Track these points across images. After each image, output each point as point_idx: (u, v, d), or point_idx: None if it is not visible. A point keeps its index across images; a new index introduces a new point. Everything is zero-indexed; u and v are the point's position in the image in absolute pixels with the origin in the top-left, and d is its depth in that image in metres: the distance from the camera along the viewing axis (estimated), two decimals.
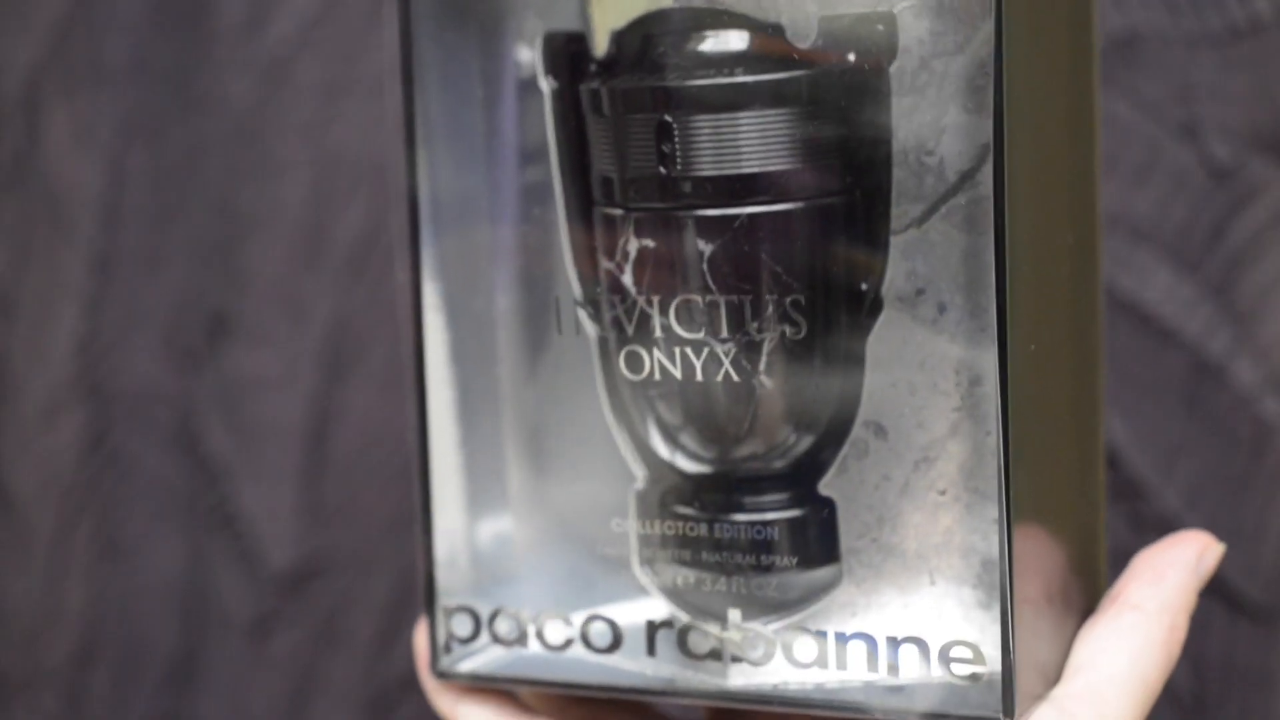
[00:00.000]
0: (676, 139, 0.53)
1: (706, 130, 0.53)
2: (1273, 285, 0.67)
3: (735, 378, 0.54)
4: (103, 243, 0.79)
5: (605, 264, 0.55)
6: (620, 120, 0.54)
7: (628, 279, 0.55)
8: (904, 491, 0.53)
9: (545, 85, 0.56)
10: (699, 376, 0.54)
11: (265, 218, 0.77)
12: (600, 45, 0.55)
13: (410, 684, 0.78)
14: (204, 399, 0.79)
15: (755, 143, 0.53)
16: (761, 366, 0.54)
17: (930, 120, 0.52)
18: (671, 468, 0.57)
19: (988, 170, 0.51)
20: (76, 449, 0.80)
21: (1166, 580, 0.54)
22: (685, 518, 0.56)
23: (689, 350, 0.54)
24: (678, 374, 0.54)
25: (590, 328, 0.57)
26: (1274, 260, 0.67)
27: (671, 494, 0.56)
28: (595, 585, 0.58)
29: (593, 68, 0.56)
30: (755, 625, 0.55)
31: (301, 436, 0.78)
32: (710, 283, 0.53)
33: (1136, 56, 0.67)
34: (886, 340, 0.53)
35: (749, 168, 0.53)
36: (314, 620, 0.79)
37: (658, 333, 0.54)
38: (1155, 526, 0.68)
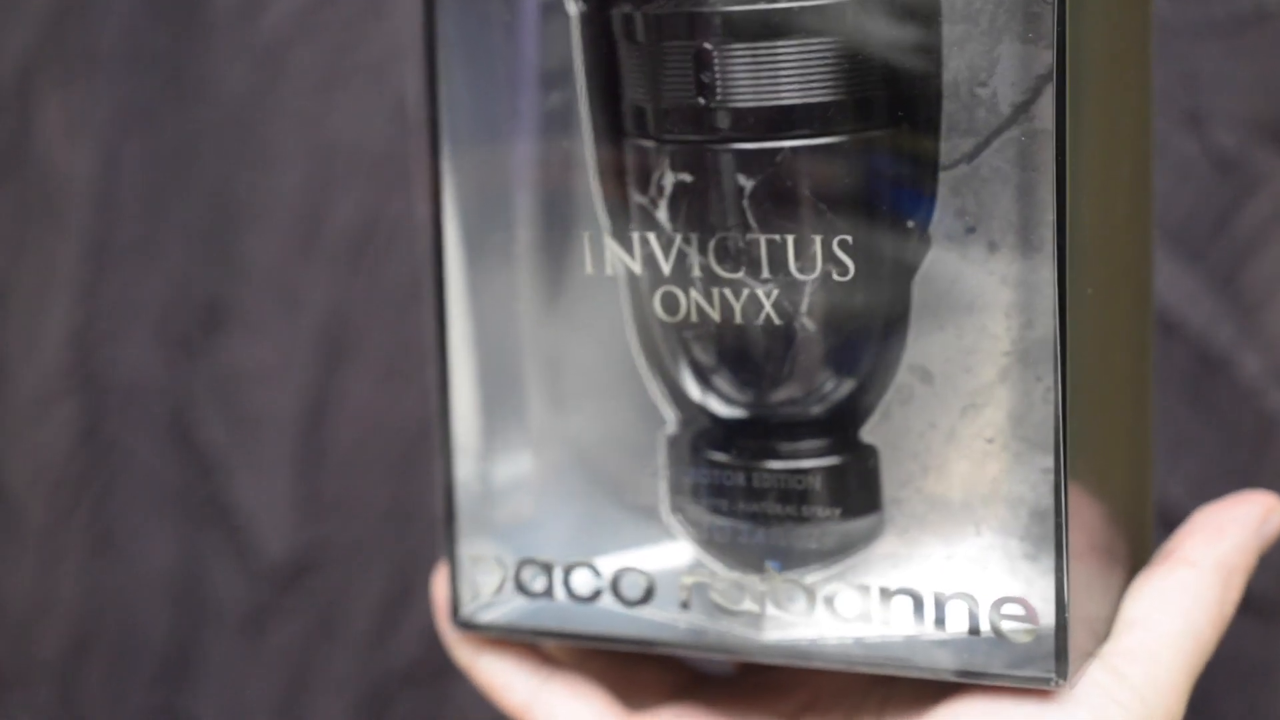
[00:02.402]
0: (716, 68, 0.51)
1: (748, 59, 0.51)
2: (1278, 277, 0.66)
3: (776, 320, 0.52)
4: (97, 232, 0.78)
5: (638, 199, 0.53)
6: (656, 47, 0.52)
7: (662, 215, 0.52)
8: (950, 439, 0.51)
9: (573, 8, 0.54)
10: (738, 319, 0.52)
11: (260, 207, 0.77)
12: None
13: (408, 677, 0.77)
14: (198, 389, 0.78)
15: (799, 73, 0.51)
16: (804, 308, 0.51)
17: (983, 49, 0.49)
18: (705, 412, 0.54)
19: (1044, 103, 0.48)
20: (69, 440, 0.80)
21: (1226, 537, 0.52)
22: (720, 465, 0.54)
23: (728, 291, 0.52)
24: (716, 316, 0.52)
25: (620, 264, 0.54)
26: (1278, 251, 0.66)
27: (705, 440, 0.54)
28: (622, 530, 0.56)
29: None
30: (793, 577, 0.53)
31: (297, 427, 0.78)
32: (751, 220, 0.51)
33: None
34: (934, 281, 0.51)
35: (792, 99, 0.51)
36: (310, 613, 0.78)
37: (695, 272, 0.52)
38: (1160, 520, 0.67)
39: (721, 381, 0.54)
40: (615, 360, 0.55)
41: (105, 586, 0.80)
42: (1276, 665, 0.67)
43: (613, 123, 0.54)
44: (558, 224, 0.55)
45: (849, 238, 0.51)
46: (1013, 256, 0.50)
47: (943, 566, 0.51)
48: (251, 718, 0.79)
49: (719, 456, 0.54)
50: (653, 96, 0.52)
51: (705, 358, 0.53)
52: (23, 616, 0.81)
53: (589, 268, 0.55)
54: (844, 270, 0.51)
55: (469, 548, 0.56)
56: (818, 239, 0.51)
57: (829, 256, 0.51)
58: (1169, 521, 0.67)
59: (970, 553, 0.51)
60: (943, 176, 0.50)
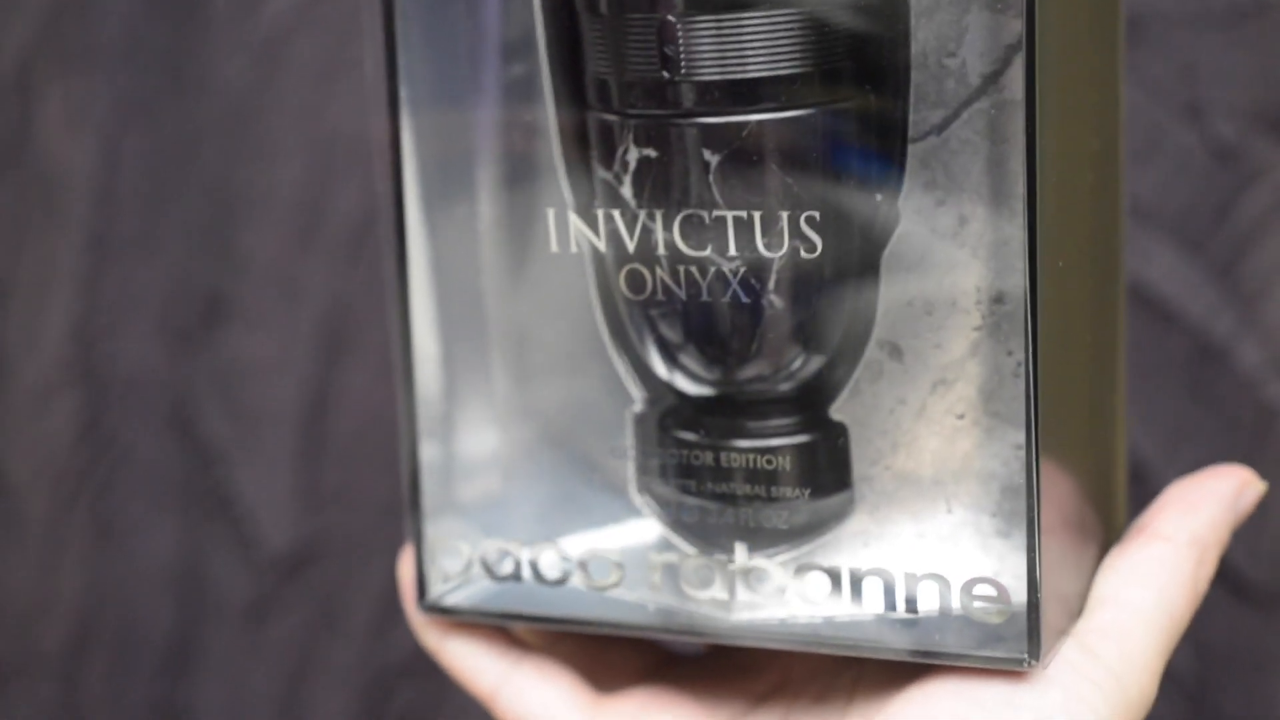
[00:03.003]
0: (680, 40, 0.50)
1: (712, 31, 0.50)
2: (1277, 267, 0.66)
3: (744, 298, 0.51)
4: (97, 225, 0.78)
5: (602, 174, 0.52)
6: (618, 20, 0.51)
7: (627, 191, 0.51)
8: (920, 415, 0.51)
9: None
10: (705, 296, 0.51)
11: (260, 200, 0.76)
12: None
13: (408, 669, 0.77)
14: (199, 382, 0.78)
15: (763, 44, 0.50)
16: (771, 285, 0.51)
17: (952, 19, 0.49)
18: (672, 390, 0.54)
19: (1013, 74, 0.48)
20: (71, 433, 0.80)
21: (1200, 512, 0.51)
22: (687, 444, 0.53)
23: (694, 269, 0.51)
24: (682, 294, 0.51)
25: (585, 240, 0.53)
26: (1278, 242, 0.66)
27: (672, 418, 0.54)
28: (590, 510, 0.55)
29: None
30: (762, 558, 0.52)
31: (298, 420, 0.77)
32: (717, 196, 0.50)
33: (1140, 37, 0.66)
34: (903, 255, 0.50)
35: (757, 71, 0.50)
36: (310, 604, 0.78)
37: (660, 250, 0.51)
38: None
39: (688, 359, 0.53)
40: (581, 338, 0.54)
41: (106, 579, 0.80)
42: (1273, 653, 0.67)
43: (575, 95, 0.53)
44: (521, 199, 0.54)
45: (816, 213, 0.50)
46: (983, 229, 0.49)
47: (914, 545, 0.51)
48: (252, 709, 0.79)
49: (687, 435, 0.53)
50: (615, 69, 0.51)
51: (672, 335, 0.53)
52: (24, 609, 0.81)
53: (554, 245, 0.54)
54: (811, 247, 0.50)
55: (435, 529, 0.55)
56: (785, 215, 0.50)
57: (796, 232, 0.50)
58: None
59: (941, 530, 0.51)
60: (912, 149, 0.49)
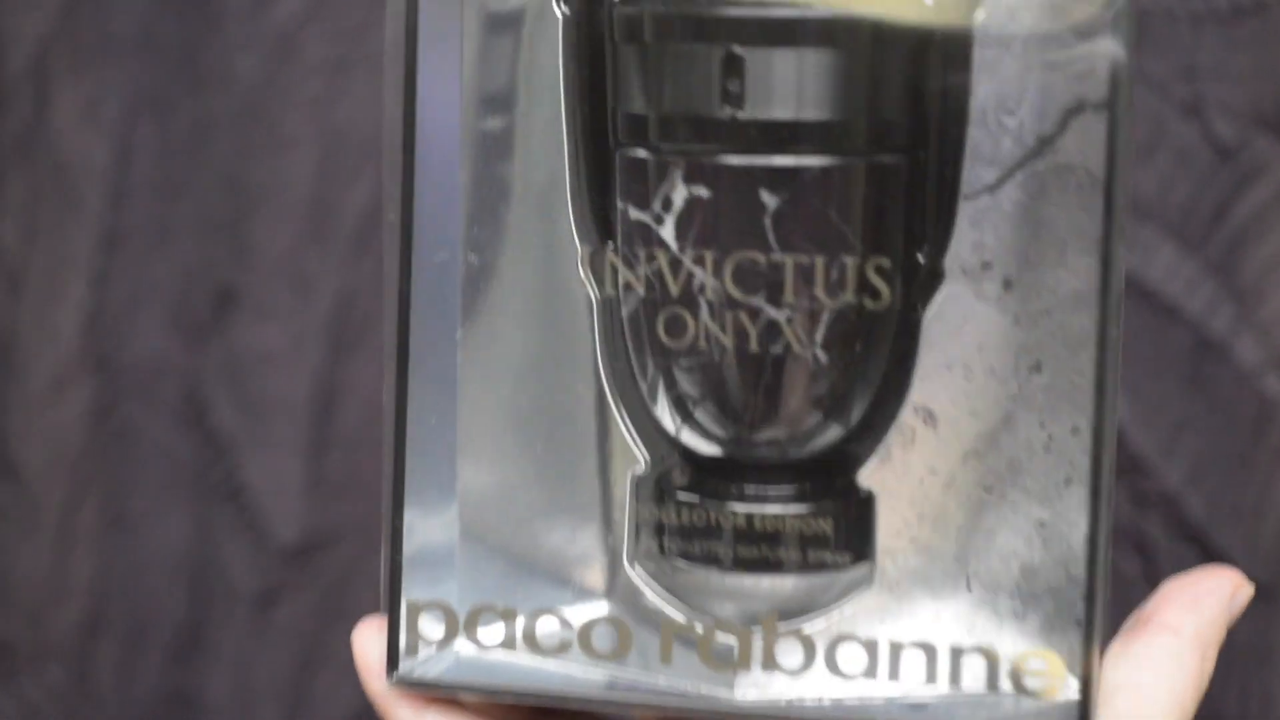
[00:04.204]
0: (747, 76, 0.47)
1: (782, 67, 0.47)
2: (1275, 263, 0.66)
3: (795, 349, 0.48)
4: (110, 217, 0.78)
5: (635, 214, 0.49)
6: (669, 50, 0.48)
7: (668, 232, 0.48)
8: (949, 486, 0.49)
9: (560, 10, 0.50)
10: (753, 346, 0.48)
11: (272, 193, 0.77)
12: None
13: None
14: (211, 373, 0.79)
15: (834, 86, 0.47)
16: (819, 338, 0.48)
17: (1013, 76, 0.47)
18: (682, 450, 0.51)
19: (1070, 137, 0.46)
20: (84, 422, 0.80)
21: (1203, 608, 0.51)
22: (695, 506, 0.50)
23: (744, 315, 0.48)
24: (728, 342, 0.49)
25: (591, 287, 0.51)
26: (1277, 239, 0.67)
27: (677, 479, 0.51)
28: (568, 582, 0.52)
29: None
30: (771, 629, 0.49)
31: (308, 410, 0.78)
32: (774, 240, 0.48)
33: (1141, 34, 0.67)
34: (946, 317, 0.48)
35: (828, 114, 0.47)
36: (320, 592, 0.79)
37: (708, 294, 0.48)
38: (1157, 503, 0.68)
39: (710, 415, 0.50)
40: (571, 394, 0.51)
41: (118, 566, 0.80)
42: (1271, 647, 0.67)
43: (596, 133, 0.50)
44: (506, 246, 0.51)
45: (878, 262, 0.48)
46: (1025, 295, 0.48)
47: (931, 624, 0.49)
48: (261, 696, 0.80)
49: (693, 498, 0.50)
50: (665, 103, 0.48)
51: (698, 388, 0.50)
52: (36, 596, 0.81)
53: (554, 291, 0.51)
54: (872, 298, 0.48)
55: (413, 594, 0.51)
56: (848, 263, 0.48)
57: (858, 283, 0.48)
58: (1168, 503, 0.68)
59: (959, 609, 0.49)
60: (962, 207, 0.48)
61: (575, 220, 0.51)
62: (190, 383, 0.78)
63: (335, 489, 0.77)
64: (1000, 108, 0.48)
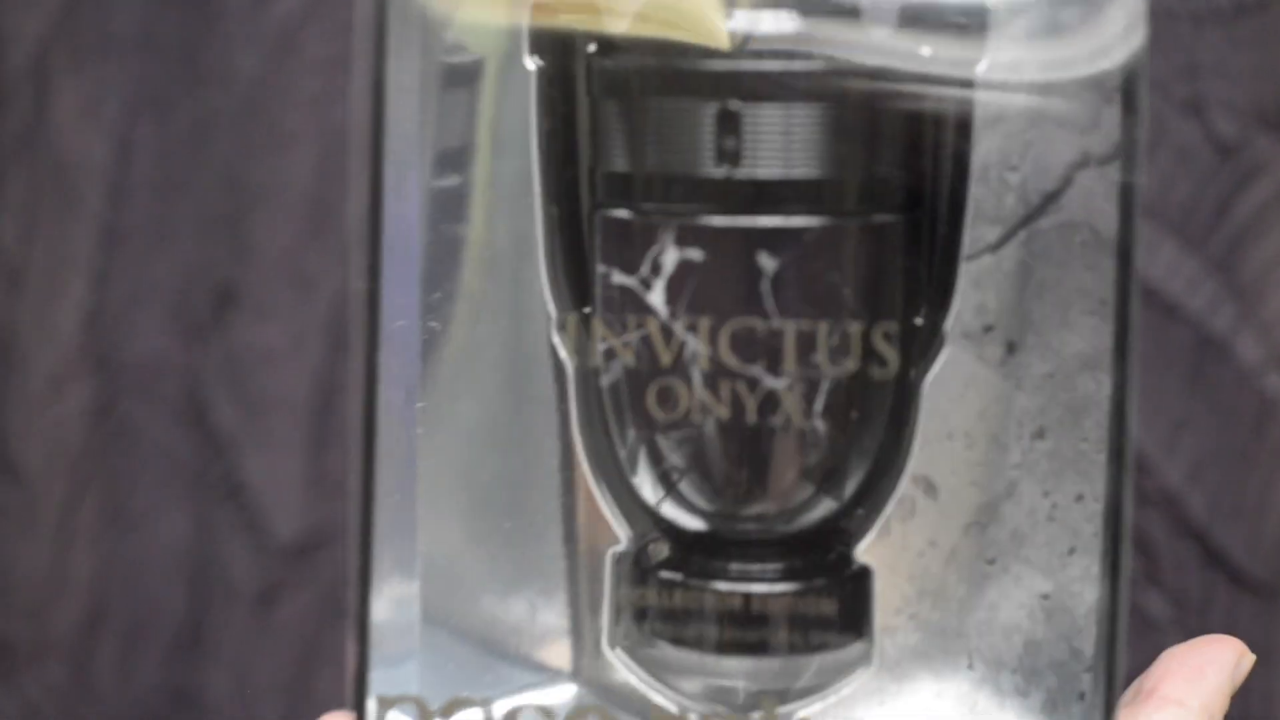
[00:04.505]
0: (744, 132, 0.44)
1: (783, 124, 0.44)
2: (1276, 262, 0.66)
3: (794, 419, 0.46)
4: (110, 215, 0.78)
5: (619, 279, 0.46)
6: (659, 106, 0.45)
7: (657, 298, 0.46)
8: (950, 560, 0.47)
9: (532, 65, 0.47)
10: (750, 417, 0.46)
11: (272, 191, 0.76)
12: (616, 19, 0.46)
13: None
14: (211, 371, 0.79)
15: (836, 142, 0.44)
16: (818, 408, 0.46)
17: (1016, 130, 0.45)
18: (668, 527, 0.48)
19: (1074, 193, 0.45)
20: (83, 421, 0.80)
21: (1207, 679, 0.50)
22: (675, 585, 0.47)
23: (740, 385, 0.45)
24: (723, 413, 0.46)
25: (565, 355, 0.48)
26: (1277, 237, 0.67)
27: (660, 556, 0.48)
28: (534, 662, 0.49)
29: (594, 46, 0.47)
30: (772, 715, 0.47)
31: (308, 408, 0.78)
32: (773, 306, 0.45)
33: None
34: (947, 383, 0.46)
35: (828, 171, 0.45)
36: (320, 590, 0.78)
37: (701, 364, 0.45)
38: (1158, 502, 0.68)
39: (702, 489, 0.47)
40: (539, 470, 0.49)
41: (118, 565, 0.80)
42: (1272, 645, 0.67)
43: (569, 192, 0.47)
44: (471, 313, 0.48)
45: (882, 327, 0.46)
46: (1029, 359, 0.46)
47: (931, 703, 0.48)
48: (262, 693, 0.80)
49: (677, 576, 0.48)
50: (647, 162, 0.46)
51: (689, 460, 0.47)
52: (37, 593, 0.81)
53: (525, 364, 0.48)
54: (883, 363, 0.46)
55: (383, 686, 0.48)
56: (850, 328, 0.45)
57: (860, 349, 0.46)
58: (1169, 501, 0.68)
59: (961, 688, 0.48)
60: (964, 268, 0.46)
61: (549, 284, 0.48)
62: (190, 381, 0.78)
63: (335, 487, 0.77)
64: (1003, 163, 0.46)
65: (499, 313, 0.48)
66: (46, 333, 0.80)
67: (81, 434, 0.80)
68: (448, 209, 0.48)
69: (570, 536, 0.49)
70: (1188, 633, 0.68)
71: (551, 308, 0.48)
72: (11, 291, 0.80)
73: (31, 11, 0.78)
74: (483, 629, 0.50)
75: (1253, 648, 0.69)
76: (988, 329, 0.46)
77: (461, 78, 0.48)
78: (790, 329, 0.45)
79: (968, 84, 0.45)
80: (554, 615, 0.50)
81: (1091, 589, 0.46)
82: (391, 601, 0.49)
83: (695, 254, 0.45)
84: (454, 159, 0.48)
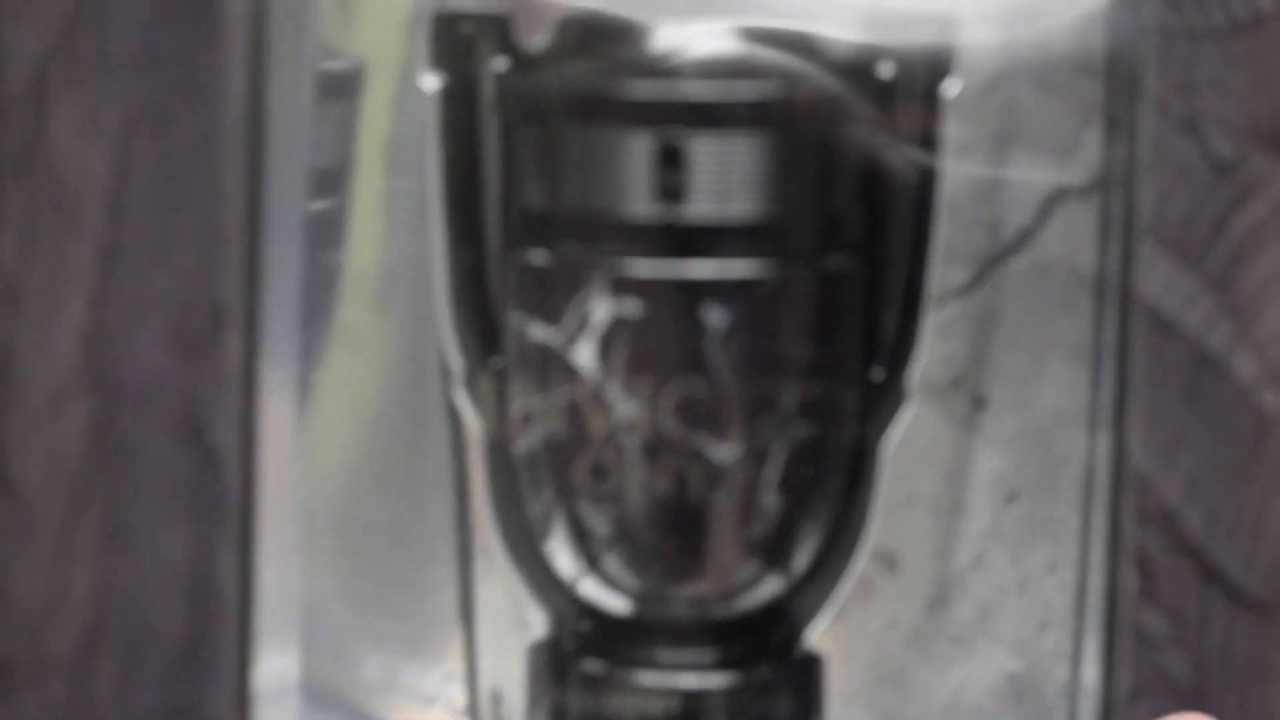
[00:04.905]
0: (687, 165, 0.39)
1: (730, 156, 0.39)
2: (1273, 279, 0.67)
3: (739, 490, 0.41)
4: (109, 233, 0.78)
5: (537, 332, 0.41)
6: (586, 134, 0.39)
7: (585, 357, 0.41)
8: (912, 640, 0.44)
9: (431, 82, 0.42)
10: (692, 489, 0.41)
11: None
12: (532, 31, 0.41)
13: None
14: (209, 389, 0.79)
15: (793, 177, 0.39)
16: (767, 476, 0.41)
17: (987, 160, 0.41)
18: (592, 612, 0.44)
19: (1052, 229, 0.40)
20: (82, 438, 0.80)
21: None
22: (598, 679, 0.43)
23: (681, 455, 0.41)
24: (662, 486, 0.41)
25: (474, 416, 0.42)
26: (1274, 254, 0.67)
27: (591, 647, 0.44)
28: None
29: (509, 62, 0.41)
30: None
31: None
32: (719, 366, 0.40)
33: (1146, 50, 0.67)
34: (910, 444, 0.42)
35: (782, 210, 0.39)
36: None
37: (638, 432, 0.40)
38: (1155, 518, 0.68)
39: (633, 566, 0.43)
40: (430, 549, 0.44)
41: (118, 582, 0.80)
42: (1270, 662, 0.68)
43: (474, 228, 0.42)
44: (333, 357, 0.43)
45: (846, 384, 0.41)
46: (1000, 414, 0.42)
47: None
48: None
49: (600, 666, 0.44)
50: (572, 199, 0.40)
51: (620, 533, 0.42)
52: (36, 612, 0.81)
53: (413, 425, 0.43)
54: (828, 429, 0.41)
55: None
56: (804, 387, 0.41)
57: (814, 411, 0.41)
58: (1166, 518, 0.68)
59: None
60: (930, 314, 0.42)
61: (450, 329, 0.43)
62: (189, 399, 0.78)
63: None
64: (974, 195, 0.41)
65: (385, 354, 0.42)
66: (45, 350, 0.80)
67: (80, 451, 0.80)
68: (324, 235, 0.42)
69: (468, 614, 0.44)
70: (1185, 649, 0.68)
71: (452, 356, 0.42)
72: (9, 308, 0.80)
73: (31, 30, 0.78)
74: (367, 700, 0.45)
75: (1250, 664, 0.69)
76: (955, 383, 0.43)
77: (340, 86, 0.42)
78: (737, 391, 0.40)
79: (934, 108, 0.41)
80: (439, 685, 0.45)
81: (1064, 666, 0.43)
82: (271, 670, 0.45)
83: (630, 307, 0.40)
84: (332, 179, 0.42)
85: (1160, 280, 0.67)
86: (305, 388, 0.44)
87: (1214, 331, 0.67)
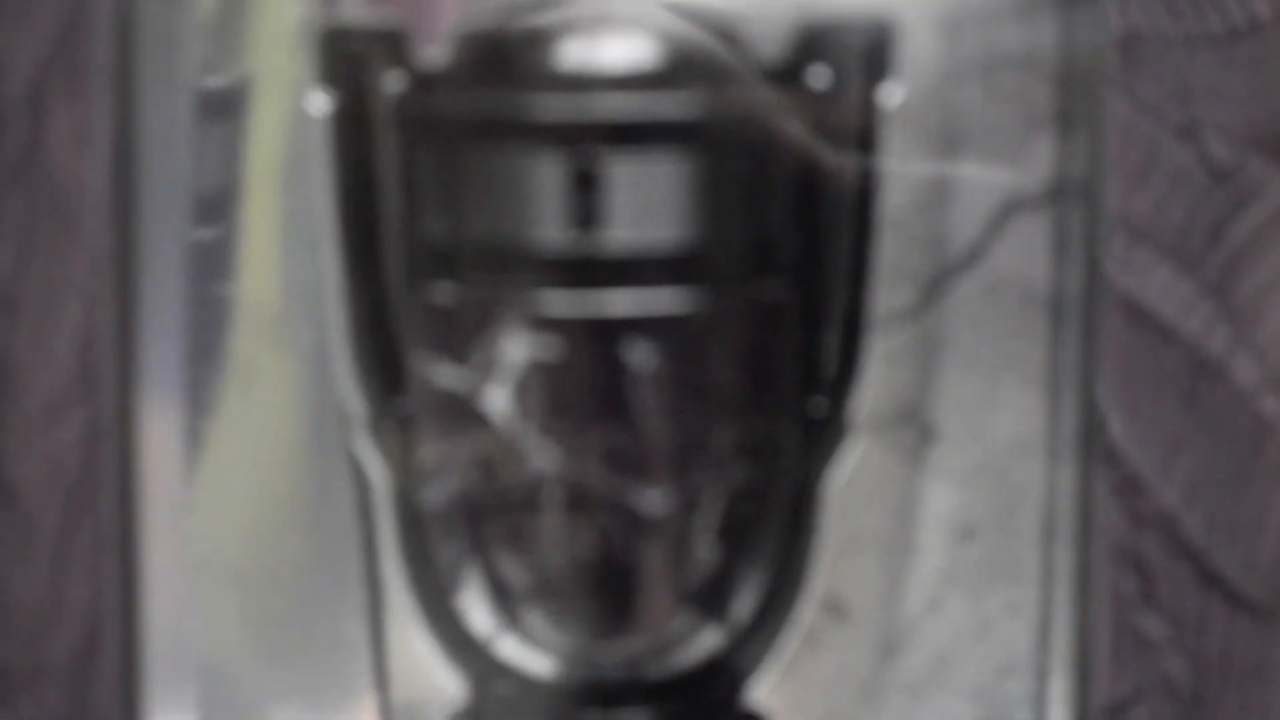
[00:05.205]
0: (603, 189, 0.34)
1: (651, 178, 0.34)
2: (1271, 285, 0.67)
3: (671, 540, 0.36)
4: (106, 241, 0.79)
5: (445, 375, 0.37)
6: (498, 160, 0.35)
7: (498, 402, 0.36)
8: (864, 694, 0.40)
9: (319, 104, 0.37)
10: (617, 543, 0.37)
11: None
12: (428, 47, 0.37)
13: None
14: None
15: (720, 201, 0.34)
16: (701, 524, 0.37)
17: (931, 165, 0.37)
18: (516, 676, 0.40)
19: (1007, 242, 0.35)
20: (80, 446, 0.80)
21: None
22: None
23: (606, 508, 0.36)
24: (586, 541, 0.36)
25: (377, 467, 0.37)
26: (1272, 260, 0.67)
27: (509, 711, 0.40)
28: None
29: (406, 79, 0.37)
30: None
31: None
32: (645, 409, 0.36)
33: (1134, 57, 0.67)
34: (855, 483, 0.38)
35: (710, 237, 0.34)
36: None
37: (555, 484, 0.36)
38: (1154, 522, 0.68)
39: (556, 624, 0.39)
40: (336, 612, 0.40)
41: (114, 591, 0.80)
42: (1269, 665, 0.68)
43: (375, 262, 0.37)
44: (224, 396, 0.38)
45: (783, 422, 0.36)
46: (953, 448, 0.38)
47: None
48: None
49: None
50: (478, 228, 0.35)
51: (542, 588, 0.38)
52: (33, 620, 0.81)
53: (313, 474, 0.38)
54: (777, 465, 0.36)
55: None
56: (737, 428, 0.36)
57: (748, 453, 0.37)
58: (1166, 523, 0.68)
59: None
60: (873, 340, 0.37)
61: (355, 371, 0.38)
62: None
63: None
64: (919, 208, 0.36)
65: (284, 395, 0.38)
66: (43, 359, 0.80)
67: (78, 459, 0.80)
68: (209, 265, 0.37)
69: (381, 675, 0.40)
70: (1184, 653, 0.69)
71: (352, 400, 0.37)
72: (7, 316, 0.80)
73: (28, 40, 0.78)
74: None
75: (1249, 668, 0.70)
76: (902, 414, 0.39)
77: (223, 105, 0.37)
78: (666, 434, 0.35)
79: (873, 116, 0.35)
80: None
81: (1028, 713, 0.39)
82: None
83: (545, 346, 0.36)
84: (217, 204, 0.37)
85: (1158, 287, 0.68)
86: (194, 431, 0.38)
87: (1213, 336, 0.68)
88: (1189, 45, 0.67)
